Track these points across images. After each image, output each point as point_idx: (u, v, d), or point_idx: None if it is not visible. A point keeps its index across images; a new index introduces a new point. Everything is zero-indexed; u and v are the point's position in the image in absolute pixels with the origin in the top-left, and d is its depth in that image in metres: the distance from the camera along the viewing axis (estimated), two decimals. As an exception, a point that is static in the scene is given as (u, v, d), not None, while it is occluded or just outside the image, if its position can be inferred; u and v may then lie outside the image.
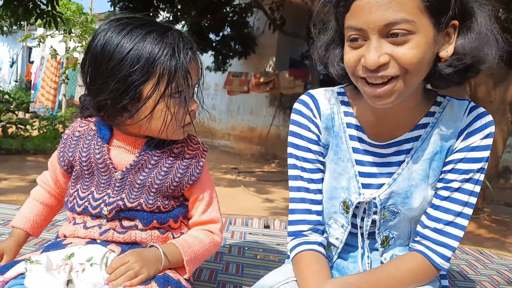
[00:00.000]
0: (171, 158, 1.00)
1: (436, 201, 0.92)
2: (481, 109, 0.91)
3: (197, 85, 0.99)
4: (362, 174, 0.95)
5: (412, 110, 0.92)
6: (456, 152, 0.91)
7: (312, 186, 0.98)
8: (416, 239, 0.94)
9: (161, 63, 0.88)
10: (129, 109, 0.91)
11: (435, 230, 0.91)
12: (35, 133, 7.66)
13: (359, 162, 0.95)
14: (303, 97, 1.00)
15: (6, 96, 7.83)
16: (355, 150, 0.96)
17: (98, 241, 0.97)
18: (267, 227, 1.80)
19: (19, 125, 7.46)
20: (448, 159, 0.91)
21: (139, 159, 0.98)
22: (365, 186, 0.95)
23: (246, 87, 7.85)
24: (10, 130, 7.33)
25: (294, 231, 0.98)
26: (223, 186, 5.38)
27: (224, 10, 7.92)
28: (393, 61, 0.77)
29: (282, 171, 6.94)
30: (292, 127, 1.00)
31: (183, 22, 7.57)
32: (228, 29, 8.26)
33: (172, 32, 0.92)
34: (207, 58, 8.40)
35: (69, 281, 0.86)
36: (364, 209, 0.97)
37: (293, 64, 8.47)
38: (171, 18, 6.84)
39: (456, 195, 0.90)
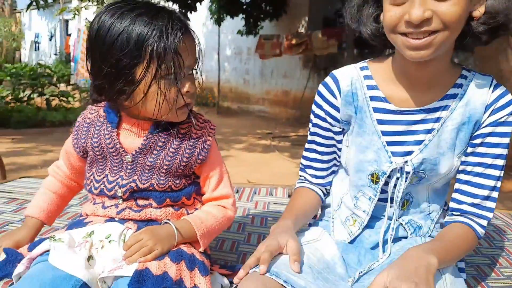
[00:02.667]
0: (178, 139, 1.01)
1: (468, 176, 0.99)
2: (503, 87, 0.97)
3: (195, 66, 0.98)
4: (390, 144, 0.99)
5: (442, 74, 0.95)
6: (484, 126, 0.96)
7: (321, 149, 1.11)
8: (455, 213, 1.00)
9: (149, 45, 0.88)
10: (125, 92, 0.93)
11: (472, 205, 0.98)
12: (77, 104, 7.99)
13: (385, 133, 0.99)
14: (326, 78, 1.07)
15: (48, 70, 8.15)
16: (380, 122, 0.99)
17: (116, 219, 1.02)
18: (290, 196, 1.82)
19: (61, 98, 7.80)
20: (477, 132, 0.97)
21: (146, 142, 1.00)
22: (394, 154, 0.99)
23: (278, 50, 7.70)
24: (53, 103, 7.69)
25: (300, 175, 1.17)
26: (258, 152, 5.44)
27: (254, -30, 7.69)
28: (436, 17, 0.81)
29: (317, 135, 6.88)
30: (312, 106, 1.11)
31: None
32: (259, -10, 8.04)
33: (162, 14, 0.91)
34: (238, 22, 8.28)
35: (89, 257, 0.92)
36: (395, 177, 1.01)
37: (327, 23, 8.16)
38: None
39: (489, 171, 0.97)
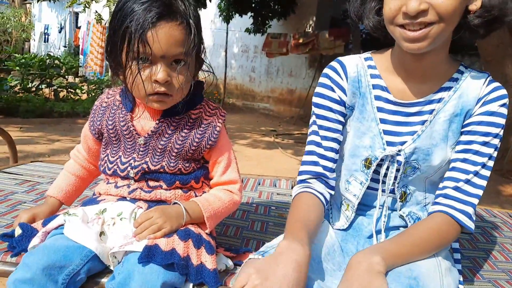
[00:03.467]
0: (189, 124, 1.06)
1: (455, 163, 0.98)
2: (498, 83, 0.98)
3: (181, 58, 0.96)
4: (386, 132, 1.02)
5: (439, 67, 0.98)
6: (474, 115, 0.98)
7: (325, 143, 1.05)
8: (436, 200, 0.98)
9: (125, 27, 0.92)
10: (117, 73, 1.00)
11: (454, 188, 0.96)
12: (84, 96, 8.06)
13: (383, 121, 1.02)
14: (332, 63, 1.07)
15: (57, 61, 8.21)
16: (380, 109, 1.02)
17: (128, 198, 1.07)
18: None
19: (69, 89, 7.87)
20: (467, 121, 0.98)
21: (158, 125, 1.05)
22: (389, 143, 1.02)
23: (285, 49, 7.73)
24: (61, 94, 7.76)
25: (299, 180, 1.06)
26: (261, 148, 5.48)
27: (264, -31, 7.71)
28: (432, 9, 0.84)
29: (321, 134, 6.90)
30: (317, 89, 1.07)
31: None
32: (268, -11, 8.06)
33: None
34: (246, 20, 8.31)
35: (101, 233, 0.98)
36: (387, 166, 1.02)
37: (334, 24, 8.18)
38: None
39: (474, 157, 0.96)
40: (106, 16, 10.50)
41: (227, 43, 9.37)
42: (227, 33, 9.20)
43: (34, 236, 1.00)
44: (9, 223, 1.25)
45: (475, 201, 0.95)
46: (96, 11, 10.21)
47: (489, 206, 1.82)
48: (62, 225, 0.98)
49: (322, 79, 1.07)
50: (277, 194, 1.75)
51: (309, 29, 8.26)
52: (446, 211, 0.94)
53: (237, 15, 8.13)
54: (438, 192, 1.00)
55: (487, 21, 0.90)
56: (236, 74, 10.09)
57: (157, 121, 1.05)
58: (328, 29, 7.47)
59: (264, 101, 9.55)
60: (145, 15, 0.91)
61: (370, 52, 1.09)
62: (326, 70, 1.07)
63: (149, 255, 0.88)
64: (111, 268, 0.96)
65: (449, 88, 0.99)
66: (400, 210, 1.06)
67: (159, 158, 1.06)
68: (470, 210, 0.95)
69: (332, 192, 1.07)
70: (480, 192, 0.96)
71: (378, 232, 1.06)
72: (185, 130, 1.06)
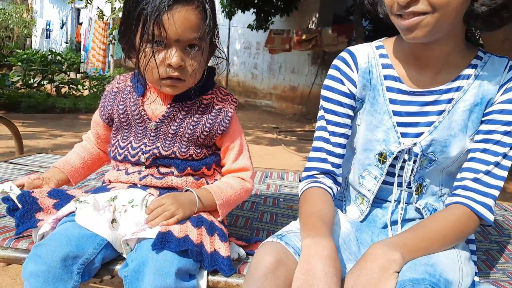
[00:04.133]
0: (200, 109, 1.05)
1: (474, 153, 0.94)
2: None
3: (196, 43, 0.96)
4: (400, 124, 0.98)
5: (452, 56, 0.94)
6: (496, 104, 0.94)
7: (333, 139, 1.02)
8: (454, 192, 0.95)
9: (140, 10, 0.92)
10: (129, 56, 1.00)
11: (473, 179, 0.92)
12: (85, 92, 8.04)
13: (396, 113, 0.98)
14: (342, 53, 1.04)
15: (58, 57, 8.19)
16: (392, 101, 0.98)
17: (139, 185, 1.06)
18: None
19: (71, 85, 7.85)
20: (488, 110, 0.94)
21: (170, 110, 1.03)
22: (403, 135, 0.98)
23: (287, 45, 7.71)
24: (63, 90, 7.75)
25: (306, 175, 1.03)
26: (264, 145, 5.46)
27: (266, -35, 7.68)
28: None
29: (324, 131, 6.89)
30: (326, 81, 1.04)
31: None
32: (270, -15, 8.03)
33: None
34: (249, 17, 8.28)
35: (113, 220, 0.96)
36: (403, 159, 0.99)
37: (337, 20, 8.15)
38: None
39: (495, 147, 0.92)
40: (108, 12, 10.51)
41: (229, 40, 9.35)
42: (229, 29, 9.18)
43: (35, 210, 0.99)
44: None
45: (496, 192, 0.92)
46: (98, 7, 10.21)
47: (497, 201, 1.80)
48: (73, 212, 0.96)
49: (331, 71, 1.03)
50: (285, 186, 1.74)
51: (312, 25, 8.24)
52: (465, 203, 0.91)
53: (239, 11, 8.11)
54: (456, 183, 0.96)
55: (493, 10, 0.84)
56: (239, 71, 10.06)
57: (169, 106, 1.04)
58: (331, 25, 7.44)
59: (267, 98, 9.53)
60: (157, 1, 0.90)
61: (382, 39, 1.05)
62: (335, 62, 1.04)
63: (163, 241, 0.86)
64: (124, 255, 0.94)
65: (468, 76, 0.95)
66: (416, 203, 1.03)
67: (170, 143, 1.04)
68: (490, 202, 0.91)
69: (339, 188, 1.05)
70: (501, 183, 0.92)
71: (393, 223, 1.04)
72: (197, 115, 1.04)
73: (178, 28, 0.91)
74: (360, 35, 6.89)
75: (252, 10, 8.09)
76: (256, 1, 8.05)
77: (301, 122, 7.79)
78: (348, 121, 1.03)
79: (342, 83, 1.01)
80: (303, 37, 7.39)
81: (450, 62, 0.95)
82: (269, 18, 8.22)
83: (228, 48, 9.36)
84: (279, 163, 4.42)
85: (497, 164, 0.92)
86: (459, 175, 0.96)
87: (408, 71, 0.98)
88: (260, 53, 9.53)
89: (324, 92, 1.04)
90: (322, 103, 1.04)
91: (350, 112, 1.02)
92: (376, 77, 1.00)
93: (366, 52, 1.02)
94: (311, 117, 8.18)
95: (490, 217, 0.91)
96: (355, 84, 1.01)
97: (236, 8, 8.14)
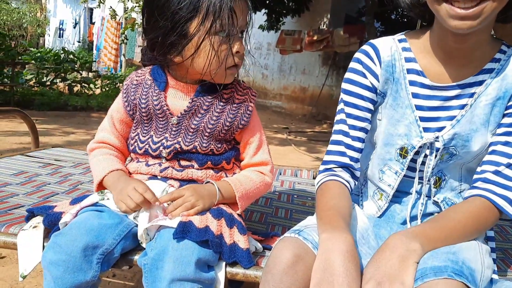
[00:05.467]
0: (221, 103, 1.05)
1: (495, 146, 0.93)
2: None
3: (245, 30, 1.01)
4: (422, 119, 0.97)
5: (481, 48, 0.92)
6: None
7: (353, 133, 1.00)
8: (474, 184, 0.94)
9: (206, 1, 0.91)
10: (177, 46, 0.96)
11: (494, 172, 0.91)
12: (97, 91, 8.11)
13: (419, 107, 0.97)
14: (364, 46, 1.02)
15: (71, 56, 8.27)
16: (415, 96, 0.97)
17: (159, 177, 1.06)
18: (315, 178, 1.84)
19: (83, 84, 7.92)
20: (510, 103, 0.93)
21: (192, 104, 1.03)
22: (426, 130, 0.97)
23: (298, 46, 7.69)
24: (75, 89, 7.82)
25: (324, 168, 1.02)
26: (274, 145, 5.46)
27: (278, -34, 7.67)
28: None
29: (334, 132, 6.87)
30: (347, 74, 1.02)
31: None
32: (282, -14, 8.03)
33: None
34: (259, 17, 8.28)
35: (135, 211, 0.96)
36: (425, 154, 0.98)
37: (349, 21, 8.11)
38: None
39: None
40: (120, 12, 10.58)
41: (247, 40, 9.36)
42: (247, 31, 9.19)
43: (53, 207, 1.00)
44: (35, 202, 1.25)
45: None
46: (111, 7, 10.27)
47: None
48: (97, 202, 0.97)
49: (353, 64, 1.02)
50: (298, 183, 1.74)
51: (323, 26, 8.22)
52: (485, 195, 0.90)
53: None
54: (476, 176, 0.95)
55: None
56: (249, 71, 10.07)
57: (190, 100, 1.04)
58: (343, 26, 7.41)
59: (277, 98, 9.52)
60: None
61: (404, 32, 1.02)
62: (357, 55, 1.02)
63: (184, 230, 0.87)
64: (143, 245, 0.94)
65: (491, 70, 0.93)
66: (434, 196, 1.02)
67: (191, 138, 1.04)
68: (510, 195, 0.89)
69: (357, 182, 1.04)
70: None
71: (413, 218, 1.02)
72: (218, 110, 1.04)
73: (244, 16, 0.97)
74: (372, 36, 6.84)
75: (263, 10, 8.10)
76: (267, 2, 8.06)
77: (311, 123, 7.77)
78: (369, 115, 1.01)
79: (364, 76, 1.00)
80: (315, 37, 7.37)
81: (475, 56, 0.93)
82: (280, 18, 8.21)
83: (248, 48, 9.38)
84: (290, 163, 4.41)
85: None
86: (479, 168, 0.95)
87: (432, 65, 0.96)
88: (270, 53, 9.52)
89: (345, 85, 1.02)
90: (343, 96, 1.03)
91: (371, 106, 1.01)
92: (399, 71, 0.98)
93: (389, 45, 1.00)
94: (321, 118, 8.16)
95: (510, 210, 0.90)
96: (378, 78, 0.99)
97: (252, 8, 8.15)
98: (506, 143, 0.92)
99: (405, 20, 8.51)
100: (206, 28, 0.93)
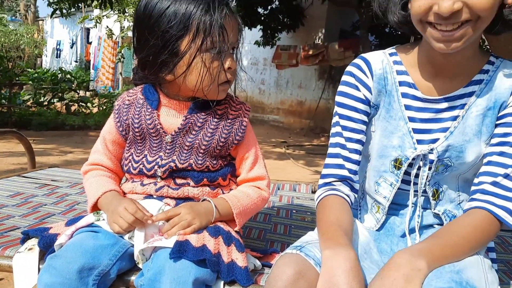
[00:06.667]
0: (215, 120, 1.04)
1: (491, 157, 0.93)
2: None
3: (236, 47, 1.01)
4: (415, 131, 0.97)
5: (469, 61, 0.93)
6: (509, 106, 0.93)
7: (349, 145, 1.00)
8: (473, 197, 0.93)
9: (196, 19, 0.91)
10: (168, 64, 0.95)
11: (492, 183, 0.91)
12: (95, 110, 8.13)
13: (412, 119, 0.98)
14: (356, 60, 1.03)
15: (68, 76, 8.32)
16: (408, 107, 0.98)
17: (154, 196, 1.05)
18: (314, 192, 1.83)
19: (80, 103, 7.95)
20: (501, 113, 0.94)
21: (186, 122, 1.03)
22: (419, 142, 0.97)
23: (294, 60, 7.76)
24: (72, 108, 7.84)
25: (323, 183, 1.01)
26: (273, 159, 5.45)
27: (273, -17, 7.80)
28: (466, 8, 0.78)
29: (332, 145, 6.88)
30: (340, 87, 1.03)
31: (231, -3, 7.55)
32: (277, 2, 8.13)
33: None
34: (255, 33, 8.37)
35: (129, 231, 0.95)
36: (418, 165, 0.98)
37: (344, 35, 8.21)
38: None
39: (511, 150, 0.91)
40: (117, 31, 10.69)
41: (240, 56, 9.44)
42: (238, 47, 9.28)
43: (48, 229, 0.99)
44: (31, 223, 1.24)
45: None
46: (107, 26, 10.39)
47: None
48: (92, 223, 0.96)
49: (345, 77, 1.02)
50: (297, 198, 1.73)
51: (318, 41, 8.31)
52: (485, 207, 0.89)
53: (246, 28, 8.21)
54: (474, 187, 0.94)
55: None
56: (246, 87, 10.13)
57: (184, 117, 1.03)
58: (338, 40, 7.49)
59: (274, 113, 9.56)
60: (214, 6, 0.93)
61: (394, 47, 1.04)
62: (349, 68, 1.02)
63: (181, 250, 0.85)
64: (140, 266, 0.93)
65: (480, 81, 0.94)
66: (434, 208, 1.01)
67: (186, 155, 1.04)
68: (510, 205, 0.89)
69: (356, 195, 1.03)
70: None
71: (411, 231, 1.01)
72: (212, 126, 1.04)
73: (234, 33, 0.97)
74: (367, 49, 6.91)
75: (259, 27, 8.19)
76: (262, 18, 8.15)
77: (309, 137, 7.78)
78: (363, 127, 1.02)
79: (357, 89, 1.00)
80: (310, 52, 7.44)
81: (464, 68, 0.94)
82: (276, 34, 8.31)
83: (240, 64, 9.45)
84: (288, 176, 4.40)
85: None
86: (476, 180, 0.95)
87: (423, 78, 0.97)
88: (267, 68, 9.60)
89: (338, 98, 1.03)
90: (337, 109, 1.03)
91: (365, 118, 1.01)
92: (391, 83, 0.99)
93: (380, 59, 1.01)
94: (319, 131, 8.17)
95: (511, 220, 0.89)
96: (370, 90, 1.00)
97: (243, 25, 8.24)
98: (501, 153, 0.92)
99: (399, 33, 8.60)
100: (197, 45, 0.93)
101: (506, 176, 0.90)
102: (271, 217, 1.48)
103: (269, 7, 8.09)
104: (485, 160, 0.95)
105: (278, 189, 1.83)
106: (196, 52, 0.93)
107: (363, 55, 1.03)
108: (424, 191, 1.00)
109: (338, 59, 7.21)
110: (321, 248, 0.82)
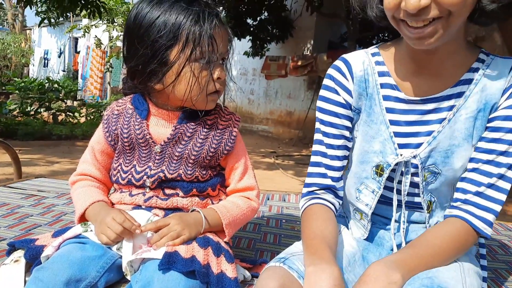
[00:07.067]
0: (205, 130, 1.04)
1: (477, 164, 0.89)
2: None
3: (225, 57, 1.01)
4: (398, 135, 0.93)
5: (455, 58, 0.88)
6: (500, 109, 0.87)
7: (331, 152, 0.98)
8: (454, 204, 0.90)
9: (186, 29, 0.92)
10: (157, 73, 0.95)
11: (475, 193, 0.87)
12: (82, 120, 8.06)
13: (394, 122, 0.93)
14: (336, 61, 0.99)
15: (56, 85, 8.25)
16: (389, 111, 0.93)
17: (143, 207, 1.04)
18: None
19: (68, 113, 7.87)
20: (492, 116, 0.88)
21: (175, 132, 1.02)
22: (402, 146, 0.93)
23: (283, 71, 7.82)
24: (59, 118, 7.76)
25: (307, 191, 0.99)
26: (262, 169, 5.45)
27: (262, -6, 7.88)
28: (434, 3, 0.74)
29: (321, 155, 6.91)
30: (321, 92, 1.00)
31: (221, 8, 7.61)
32: (266, 13, 8.21)
33: (199, 1, 0.96)
34: (245, 44, 8.43)
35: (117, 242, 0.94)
36: (402, 171, 0.94)
37: (332, 47, 8.32)
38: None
39: (499, 158, 0.86)
40: (105, 41, 10.67)
41: (230, 67, 9.48)
42: (228, 58, 9.32)
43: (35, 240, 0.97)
44: (17, 235, 1.22)
45: (498, 208, 0.87)
46: (96, 36, 10.38)
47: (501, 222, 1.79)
48: (80, 234, 0.95)
49: (326, 81, 0.98)
50: (287, 208, 1.73)
51: (307, 52, 8.39)
52: (465, 218, 0.87)
53: (235, 38, 8.26)
54: (457, 194, 0.91)
55: (504, 6, 0.78)
56: (235, 97, 10.16)
57: (173, 127, 1.03)
58: (326, 51, 7.58)
59: (263, 123, 9.58)
60: (204, 17, 0.93)
61: (377, 45, 0.99)
62: (329, 71, 0.98)
63: (170, 261, 0.84)
64: (128, 277, 0.92)
65: (469, 81, 0.88)
66: (428, 222, 0.97)
67: (175, 166, 1.03)
68: (490, 217, 0.87)
69: (341, 202, 1.01)
70: (503, 197, 0.87)
71: (399, 246, 0.98)
72: (202, 137, 1.03)
73: (224, 43, 0.98)
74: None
75: (248, 37, 8.25)
76: (252, 29, 8.22)
77: (298, 147, 7.81)
78: (346, 133, 0.98)
79: (337, 93, 0.97)
80: (299, 63, 7.50)
81: (450, 66, 0.89)
82: (265, 45, 8.38)
83: (229, 74, 9.49)
84: (278, 187, 4.40)
85: (501, 177, 0.87)
86: (460, 185, 0.91)
87: (406, 78, 0.92)
88: (256, 79, 9.65)
89: (319, 103, 1.00)
90: (318, 114, 1.00)
91: (348, 123, 0.98)
92: (372, 86, 0.95)
93: (361, 60, 0.96)
94: (308, 141, 8.21)
95: (489, 232, 0.88)
96: (351, 94, 0.96)
97: (233, 36, 8.29)
98: (488, 162, 0.88)
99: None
100: (186, 55, 0.93)
101: (490, 186, 0.87)
102: (260, 227, 1.48)
103: (258, 18, 8.17)
104: (470, 165, 0.90)
105: (268, 199, 1.83)
106: (185, 62, 0.94)
107: (344, 55, 0.99)
108: (418, 204, 0.97)
109: (326, 70, 7.15)
110: (305, 263, 0.80)
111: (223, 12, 7.74)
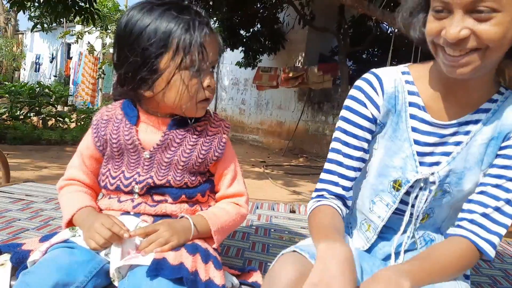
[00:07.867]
0: (195, 136, 1.04)
1: (485, 187, 0.92)
2: None
3: (215, 66, 1.02)
4: (419, 154, 0.96)
5: (481, 90, 0.92)
6: (511, 138, 0.92)
7: (347, 162, 0.98)
8: (459, 223, 0.93)
9: (176, 37, 0.93)
10: (147, 81, 0.96)
11: (482, 214, 0.90)
12: (73, 125, 8.00)
13: (417, 142, 0.95)
14: (367, 75, 1.00)
15: (47, 90, 8.19)
16: (414, 129, 0.96)
17: (132, 213, 1.04)
18: (292, 211, 1.85)
19: (58, 118, 7.81)
20: (504, 144, 0.92)
21: (164, 138, 1.03)
22: (421, 164, 0.96)
23: (275, 82, 7.87)
24: (50, 122, 7.70)
25: (316, 195, 1.00)
26: (252, 179, 5.45)
27: (255, 6, 7.96)
28: (474, 36, 0.77)
29: (310, 166, 6.94)
30: (347, 102, 1.00)
31: (214, 18, 7.67)
32: (259, 25, 8.30)
33: (189, 10, 0.97)
34: (237, 54, 8.49)
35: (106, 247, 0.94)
36: (419, 187, 0.96)
37: (323, 60, 8.41)
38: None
39: (508, 184, 0.90)
40: (98, 47, 10.65)
41: (218, 76, 9.52)
42: (218, 66, 9.35)
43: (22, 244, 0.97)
44: (4, 239, 1.21)
45: (503, 231, 0.89)
46: (89, 42, 10.36)
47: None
48: (67, 239, 0.95)
49: (354, 92, 0.99)
50: (275, 217, 1.74)
51: (298, 64, 8.47)
52: (471, 238, 0.89)
53: (228, 49, 8.32)
54: (463, 214, 0.93)
55: None
56: (227, 106, 10.18)
57: (163, 134, 1.03)
58: (317, 64, 7.66)
59: (254, 132, 9.61)
60: (194, 25, 0.94)
61: (407, 65, 1.01)
62: (360, 83, 0.99)
63: (158, 268, 0.85)
64: (115, 283, 0.92)
65: (487, 110, 0.92)
66: (412, 231, 1.00)
67: (164, 172, 1.04)
68: (495, 240, 0.89)
69: (347, 211, 1.02)
70: (509, 221, 0.90)
71: (397, 255, 1.00)
72: (191, 143, 1.04)
73: (214, 52, 0.98)
74: (345, 74, 7.11)
75: (241, 48, 8.31)
76: (245, 40, 8.29)
77: (288, 157, 7.83)
78: (366, 145, 0.99)
79: (365, 106, 0.97)
80: (290, 74, 7.57)
81: (475, 96, 0.93)
82: (257, 56, 8.45)
83: (216, 84, 9.52)
84: (267, 196, 4.40)
85: (508, 201, 0.89)
86: (466, 206, 0.93)
87: (433, 100, 0.95)
88: (248, 89, 9.69)
89: (344, 113, 1.00)
90: (340, 123, 1.00)
91: (369, 137, 0.99)
92: (401, 103, 0.96)
93: (393, 77, 0.98)
94: (298, 152, 8.24)
95: (493, 254, 0.90)
96: (379, 109, 0.97)
97: (225, 47, 8.36)
98: (496, 186, 0.91)
99: (376, 59, 8.87)
100: (176, 63, 0.94)
101: (497, 209, 0.90)
102: (249, 236, 1.48)
103: (251, 30, 8.24)
104: (478, 189, 0.93)
105: (257, 208, 1.84)
106: (175, 69, 0.94)
107: (375, 70, 1.00)
108: (417, 215, 0.98)
109: (317, 82, 7.36)
110: (315, 244, 0.83)
111: (217, 23, 7.81)
